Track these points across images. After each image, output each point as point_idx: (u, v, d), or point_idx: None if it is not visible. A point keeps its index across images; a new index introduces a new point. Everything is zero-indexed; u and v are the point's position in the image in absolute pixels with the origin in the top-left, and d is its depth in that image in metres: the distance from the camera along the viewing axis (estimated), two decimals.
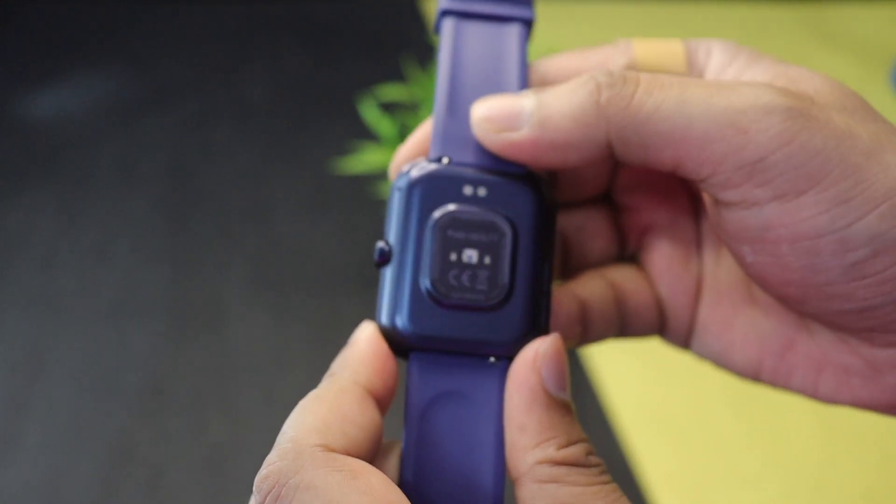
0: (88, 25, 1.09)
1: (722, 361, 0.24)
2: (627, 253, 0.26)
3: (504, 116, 0.20)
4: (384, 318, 0.20)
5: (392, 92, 0.69)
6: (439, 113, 0.21)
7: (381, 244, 0.20)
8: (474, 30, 0.23)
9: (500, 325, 0.20)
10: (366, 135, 0.82)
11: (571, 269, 0.25)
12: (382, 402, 0.20)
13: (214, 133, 0.90)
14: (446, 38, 0.23)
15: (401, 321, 0.20)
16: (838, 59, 1.07)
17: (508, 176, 0.20)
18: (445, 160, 0.21)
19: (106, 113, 0.93)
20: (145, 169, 0.85)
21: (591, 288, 0.24)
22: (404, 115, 0.68)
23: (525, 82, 0.22)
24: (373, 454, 0.19)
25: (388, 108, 0.80)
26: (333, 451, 0.18)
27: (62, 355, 0.66)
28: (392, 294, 0.20)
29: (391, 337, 0.20)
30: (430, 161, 0.21)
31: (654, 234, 0.25)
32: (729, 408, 0.59)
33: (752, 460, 0.56)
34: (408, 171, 0.21)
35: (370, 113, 0.67)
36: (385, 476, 0.17)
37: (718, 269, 0.24)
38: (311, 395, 0.19)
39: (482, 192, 0.20)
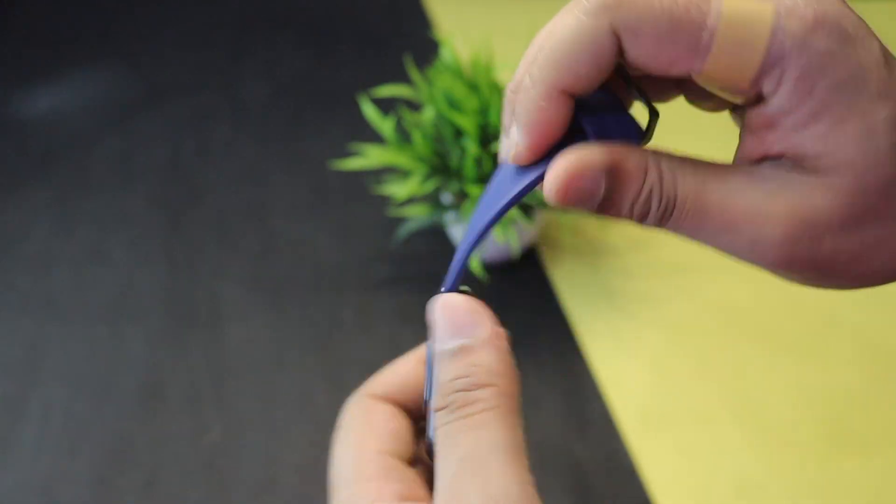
0: (84, 23, 1.08)
1: None
2: None
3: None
4: None
5: (392, 88, 0.69)
6: None
7: None
8: None
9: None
10: (365, 134, 0.82)
11: None
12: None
13: (212, 132, 0.89)
14: None
15: None
16: None
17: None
18: None
19: (102, 111, 0.93)
20: (142, 168, 0.85)
21: None
22: (404, 113, 0.67)
23: None
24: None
25: (388, 104, 0.79)
26: None
27: (59, 356, 0.65)
28: None
29: None
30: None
31: None
32: (732, 412, 0.59)
33: (755, 464, 0.56)
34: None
35: (371, 112, 0.66)
36: None
37: None
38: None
39: None
